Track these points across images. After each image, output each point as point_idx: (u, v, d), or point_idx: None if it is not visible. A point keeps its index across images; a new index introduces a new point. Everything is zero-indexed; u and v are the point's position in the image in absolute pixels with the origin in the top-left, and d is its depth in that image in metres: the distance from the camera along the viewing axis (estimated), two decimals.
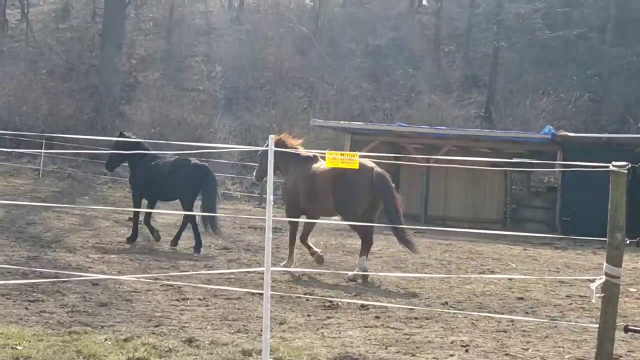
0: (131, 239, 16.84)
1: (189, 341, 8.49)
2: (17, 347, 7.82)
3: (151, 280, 12.10)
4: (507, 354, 8.84)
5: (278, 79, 44.55)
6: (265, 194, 28.94)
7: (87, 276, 11.87)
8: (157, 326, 9.32)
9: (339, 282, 13.29)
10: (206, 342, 8.50)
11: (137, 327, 9.14)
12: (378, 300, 11.68)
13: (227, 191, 34.20)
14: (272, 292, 7.65)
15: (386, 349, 8.78)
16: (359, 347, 8.76)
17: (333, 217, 16.76)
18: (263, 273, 13.08)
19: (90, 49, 48.89)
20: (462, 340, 9.38)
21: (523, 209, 30.09)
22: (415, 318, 10.57)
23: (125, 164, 18.70)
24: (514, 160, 29.29)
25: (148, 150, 17.35)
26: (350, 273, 13.67)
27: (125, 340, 8.37)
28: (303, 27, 51.56)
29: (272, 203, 7.40)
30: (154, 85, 43.75)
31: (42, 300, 10.39)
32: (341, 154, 8.24)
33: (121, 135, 18.20)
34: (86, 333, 8.63)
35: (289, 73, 45.45)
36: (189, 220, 16.39)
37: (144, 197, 17.71)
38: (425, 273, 15.08)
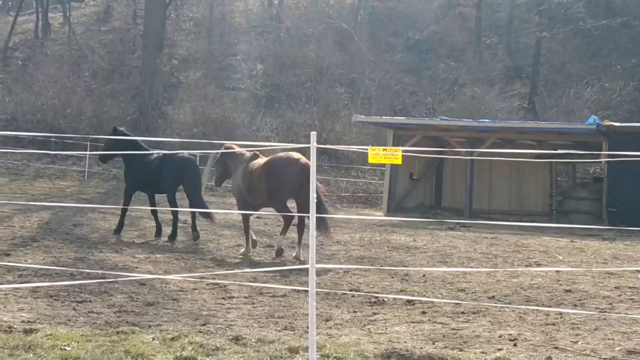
0: (116, 231, 17.48)
1: (236, 339, 8.50)
2: (66, 347, 7.88)
3: (197, 279, 12.16)
4: (556, 347, 8.73)
5: (319, 75, 44.45)
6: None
7: (134, 276, 11.95)
8: (203, 325, 9.36)
9: (383, 278, 13.25)
10: (253, 340, 8.51)
11: (184, 326, 9.18)
12: (424, 296, 11.61)
13: None
14: (317, 289, 7.63)
15: (433, 344, 8.72)
16: (405, 342, 8.71)
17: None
18: (308, 270, 13.28)
19: (131, 51, 49.36)
20: (510, 334, 9.29)
21: (569, 200, 29.67)
22: (462, 312, 10.51)
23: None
24: (559, 151, 29.05)
25: (143, 147, 18.23)
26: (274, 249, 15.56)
27: (173, 339, 8.40)
28: (343, 22, 51.50)
29: (316, 200, 7.36)
30: (195, 85, 44.01)
31: (90, 301, 10.47)
32: (384, 149, 8.16)
33: (115, 131, 18.62)
34: (134, 333, 8.68)
35: (329, 69, 45.30)
36: (176, 213, 17.17)
37: (141, 191, 18.47)
38: (471, 267, 14.99)
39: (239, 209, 16.29)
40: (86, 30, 54.14)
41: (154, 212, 17.87)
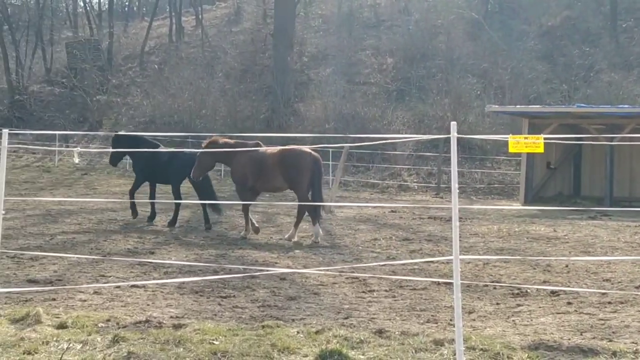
0: (134, 216, 19.82)
1: (379, 332, 8.53)
2: (214, 342, 8.06)
3: (336, 274, 12.26)
4: None
5: (450, 66, 44.16)
6: (443, 184, 28.74)
7: (275, 271, 12.15)
8: (346, 318, 9.43)
9: (525, 269, 13.05)
10: (396, 333, 8.52)
11: (326, 320, 9.27)
12: (568, 286, 11.41)
13: (404, 182, 34.22)
14: (461, 281, 7.58)
15: (581, 335, 8.56)
16: (552, 333, 8.57)
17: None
18: (446, 263, 13.21)
19: (262, 50, 50.10)
20: None
21: None
22: (609, 302, 10.28)
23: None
24: None
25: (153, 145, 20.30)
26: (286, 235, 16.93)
27: (317, 332, 8.49)
28: (473, 12, 51.03)
29: (457, 191, 7.28)
30: (326, 82, 44.34)
31: (234, 296, 10.69)
32: (524, 138, 8.00)
33: (116, 135, 21.52)
34: (278, 327, 8.81)
35: (460, 60, 44.96)
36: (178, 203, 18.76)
37: (147, 180, 20.26)
38: (616, 256, 14.60)
39: (239, 194, 17.79)
40: (218, 32, 55.25)
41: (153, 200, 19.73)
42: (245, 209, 17.24)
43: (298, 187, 16.83)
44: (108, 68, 50.90)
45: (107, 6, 60.43)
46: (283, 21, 46.21)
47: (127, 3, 68.31)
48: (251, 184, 17.32)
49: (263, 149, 17.37)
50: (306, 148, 17.35)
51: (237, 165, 17.49)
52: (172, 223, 18.83)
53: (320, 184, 17.08)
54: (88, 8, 60.00)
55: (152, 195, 20.13)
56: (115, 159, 22.11)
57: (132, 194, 20.03)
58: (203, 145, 17.97)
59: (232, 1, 60.69)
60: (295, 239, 16.56)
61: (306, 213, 16.99)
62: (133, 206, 19.81)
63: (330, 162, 30.12)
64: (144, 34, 54.50)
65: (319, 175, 16.97)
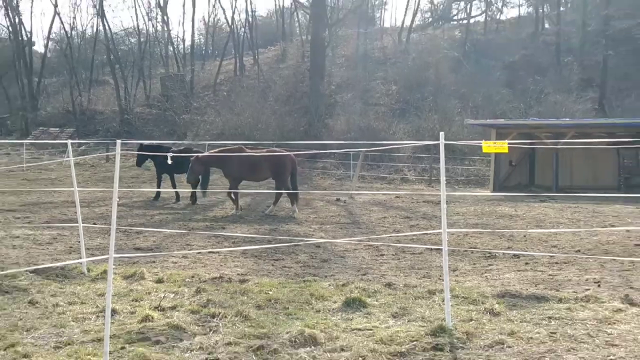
0: (155, 198, 20.83)
1: (388, 285, 8.54)
2: (269, 292, 8.13)
3: (356, 242, 12.27)
4: (631, 287, 8.39)
5: (438, 92, 44.14)
6: (433, 177, 28.38)
7: (312, 241, 12.18)
8: (364, 275, 9.44)
9: (494, 239, 12.96)
10: (401, 285, 8.53)
11: (350, 276, 9.29)
12: (526, 251, 11.34)
13: (405, 176, 34.09)
14: (448, 248, 7.57)
15: (536, 286, 8.52)
16: (514, 285, 8.54)
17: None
18: (436, 234, 13.13)
19: (301, 81, 50.04)
20: (594, 278, 8.98)
21: (634, 177, 28.52)
22: (556, 263, 10.22)
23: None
24: (625, 139, 27.73)
25: (167, 149, 21.35)
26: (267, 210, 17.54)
27: (343, 285, 8.52)
28: (454, 52, 50.92)
29: (445, 183, 7.26)
30: (347, 103, 44.36)
31: (283, 259, 10.74)
32: (494, 143, 7.99)
33: (141, 145, 22.69)
34: (315, 281, 8.86)
35: (446, 87, 44.96)
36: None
37: (166, 173, 20.99)
38: (560, 229, 14.48)
39: (231, 183, 17.93)
40: (269, 67, 55.26)
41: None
42: (236, 194, 17.66)
43: (280, 178, 17.56)
44: (190, 95, 51.01)
45: (189, 50, 60.65)
46: (316, 59, 46.17)
47: (203, 47, 68.42)
48: (242, 177, 17.93)
49: (250, 152, 17.81)
50: (285, 152, 18.07)
51: (231, 165, 17.61)
52: (194, 201, 19.80)
53: (295, 176, 17.93)
54: (176, 51, 60.19)
55: (158, 182, 21.20)
56: (139, 161, 22.90)
57: (158, 183, 21.22)
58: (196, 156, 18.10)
59: (279, 45, 60.62)
60: (273, 213, 17.25)
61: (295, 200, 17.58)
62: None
63: (351, 162, 30.07)
64: (216, 70, 54.60)
65: (295, 171, 17.84)
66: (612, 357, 5.83)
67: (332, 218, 17.00)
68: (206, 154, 18.60)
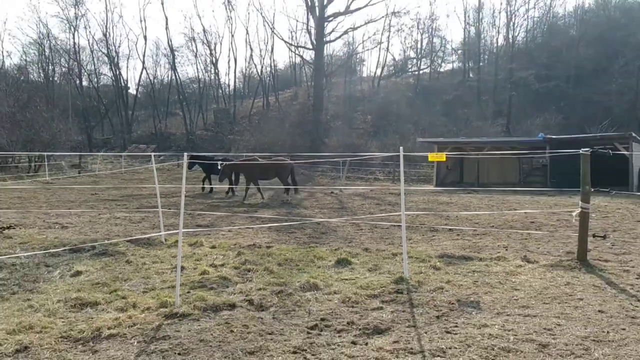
0: (210, 191, 19.83)
1: (366, 250, 8.50)
2: (286, 254, 8.08)
3: (344, 221, 12.23)
4: (528, 250, 8.35)
5: (399, 120, 44.10)
6: (396, 177, 28.01)
7: (314, 220, 12.14)
8: (349, 243, 9.39)
9: (436, 218, 12.91)
10: (374, 250, 8.49)
11: (340, 244, 9.24)
12: (457, 226, 11.29)
13: (377, 177, 33.99)
14: (405, 224, 7.56)
15: (464, 250, 8.48)
16: (450, 250, 8.49)
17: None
18: (398, 215, 13.03)
19: (307, 113, 49.85)
20: (504, 245, 8.93)
21: (530, 176, 28.41)
22: (477, 234, 10.17)
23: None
24: (523, 151, 27.74)
25: (210, 158, 20.57)
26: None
27: (335, 250, 8.47)
28: (410, 93, 50.96)
29: (404, 180, 7.24)
30: (338, 127, 44.33)
31: (295, 232, 10.67)
32: (436, 154, 7.99)
33: (191, 156, 20.93)
34: (317, 247, 8.81)
35: (404, 116, 44.96)
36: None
37: (210, 174, 20.07)
38: (480, 211, 14.45)
39: (248, 180, 17.29)
40: (286, 104, 55.09)
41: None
42: (259, 189, 17.30)
43: (282, 177, 17.07)
44: (233, 122, 50.89)
45: (233, 92, 60.58)
46: (317, 98, 46.03)
47: (242, 90, 68.08)
48: (256, 177, 17.32)
49: (261, 161, 17.41)
50: (287, 159, 17.73)
51: (248, 169, 17.18)
52: (237, 196, 18.68)
53: (294, 175, 17.33)
54: (223, 93, 60.11)
55: (209, 181, 20.17)
56: (190, 166, 21.89)
57: (207, 180, 20.16)
58: (224, 164, 17.43)
59: (293, 88, 60.48)
60: (287, 201, 16.62)
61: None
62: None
63: (341, 167, 29.99)
64: (250, 105, 54.53)
65: (293, 172, 17.29)
66: (515, 297, 5.84)
67: (328, 205, 16.91)
68: (231, 162, 18.09)
